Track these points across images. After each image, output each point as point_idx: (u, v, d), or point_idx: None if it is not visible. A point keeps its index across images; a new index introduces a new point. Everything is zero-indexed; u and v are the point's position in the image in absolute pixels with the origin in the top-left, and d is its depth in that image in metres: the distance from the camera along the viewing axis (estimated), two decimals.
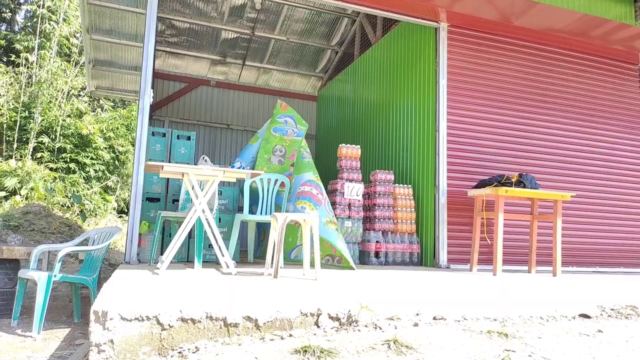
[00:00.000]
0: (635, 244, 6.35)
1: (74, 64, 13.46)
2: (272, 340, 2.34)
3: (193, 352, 2.20)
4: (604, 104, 6.45)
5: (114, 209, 12.89)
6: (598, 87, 6.44)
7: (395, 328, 2.58)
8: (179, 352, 2.22)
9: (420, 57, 6.05)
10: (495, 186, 4.93)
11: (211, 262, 4.73)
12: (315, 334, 2.44)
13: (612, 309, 3.42)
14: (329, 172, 8.75)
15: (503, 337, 2.44)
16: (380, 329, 2.55)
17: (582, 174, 6.18)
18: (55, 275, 3.76)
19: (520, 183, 4.95)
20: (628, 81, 6.63)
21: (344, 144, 5.72)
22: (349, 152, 5.67)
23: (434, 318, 2.86)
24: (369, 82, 7.60)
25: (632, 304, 3.52)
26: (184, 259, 4.79)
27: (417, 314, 2.85)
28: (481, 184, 5.18)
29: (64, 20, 13.38)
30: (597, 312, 3.34)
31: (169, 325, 2.31)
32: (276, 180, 4.98)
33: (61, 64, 12.98)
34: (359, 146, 5.74)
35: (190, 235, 4.69)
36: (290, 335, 2.42)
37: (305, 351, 2.04)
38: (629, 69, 6.65)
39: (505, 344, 2.33)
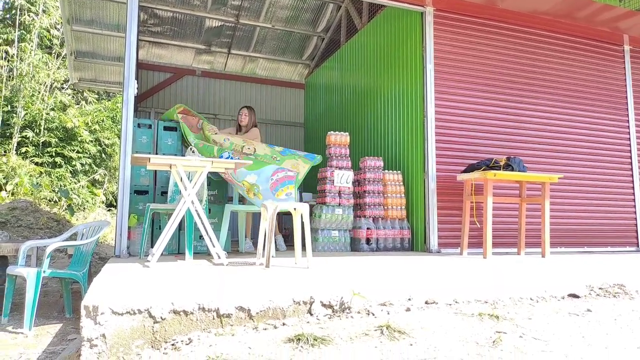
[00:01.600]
0: (622, 224, 6.45)
1: (55, 56, 13.19)
2: (265, 329, 2.35)
3: (186, 344, 2.19)
4: (590, 86, 6.49)
5: (103, 202, 12.77)
6: (584, 69, 6.47)
7: (388, 314, 2.59)
8: (172, 344, 2.22)
9: (407, 42, 6.02)
10: (483, 170, 4.95)
11: (202, 253, 4.71)
12: (308, 322, 2.45)
13: (600, 288, 3.48)
14: None
15: (494, 319, 2.46)
16: (373, 315, 2.56)
17: (569, 156, 6.24)
18: (44, 271, 3.72)
19: (508, 166, 4.98)
20: (613, 62, 6.67)
21: (332, 132, 5.70)
22: (338, 140, 5.65)
23: (426, 302, 2.88)
24: (356, 69, 7.55)
25: (620, 282, 3.58)
26: (175, 251, 4.77)
27: (409, 299, 2.87)
28: (470, 168, 5.20)
29: (44, 11, 13.07)
30: (586, 291, 3.39)
31: (161, 317, 2.30)
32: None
33: (43, 56, 12.72)
34: (347, 133, 5.73)
35: (180, 227, 4.66)
36: (284, 324, 2.42)
37: (299, 339, 2.04)
38: (614, 50, 6.69)
39: (496, 325, 2.35)
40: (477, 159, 5.54)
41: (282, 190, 4.29)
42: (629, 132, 6.62)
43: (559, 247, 5.94)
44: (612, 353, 1.98)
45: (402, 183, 5.79)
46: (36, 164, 11.28)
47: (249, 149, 4.79)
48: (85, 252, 4.25)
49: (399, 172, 5.83)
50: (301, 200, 6.83)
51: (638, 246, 6.48)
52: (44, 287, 5.37)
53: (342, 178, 5.47)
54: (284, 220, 6.82)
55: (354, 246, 5.55)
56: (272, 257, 4.14)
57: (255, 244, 5.13)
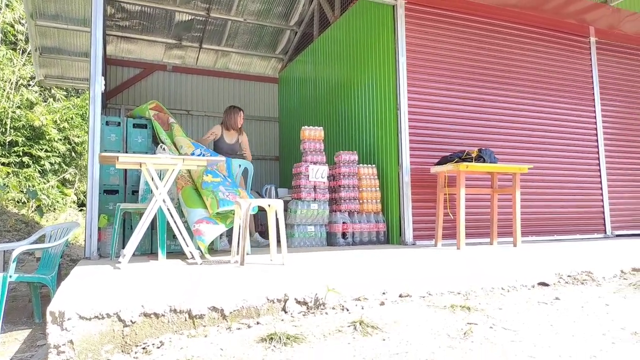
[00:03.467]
0: (589, 211, 6.63)
1: (20, 52, 12.77)
2: (238, 329, 2.32)
3: (157, 347, 2.15)
4: (558, 77, 6.62)
5: (74, 202, 12.47)
6: (551, 61, 6.60)
7: (362, 308, 2.60)
8: (143, 348, 2.18)
9: (379, 35, 6.02)
10: (456, 162, 5.01)
11: (177, 252, 4.64)
12: (282, 320, 2.44)
13: (568, 276, 3.56)
14: (292, 155, 8.70)
15: (466, 310, 2.50)
16: (347, 310, 2.57)
17: (539, 147, 6.37)
18: (10, 276, 3.61)
19: (480, 158, 5.05)
20: (580, 54, 6.82)
21: (306, 127, 5.68)
22: (312, 134, 5.63)
23: (400, 296, 2.90)
24: (329, 62, 7.53)
25: (588, 269, 3.68)
26: (148, 251, 4.68)
27: (384, 293, 2.89)
28: (443, 161, 5.25)
29: (7, 5, 12.61)
30: (555, 279, 3.47)
31: (131, 321, 2.25)
32: (239, 166, 4.90)
33: (7, 53, 12.29)
34: (321, 128, 5.71)
35: (153, 226, 4.57)
36: (258, 323, 2.40)
37: (272, 339, 2.03)
38: (580, 42, 6.83)
39: (468, 317, 2.39)
40: (449, 151, 5.60)
41: (198, 242, 4.02)
42: (595, 123, 6.79)
43: (530, 235, 6.07)
44: (578, 340, 2.03)
45: (377, 177, 5.81)
46: (2, 164, 10.92)
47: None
48: (54, 255, 4.14)
49: (373, 165, 5.85)
50: (277, 195, 6.80)
51: (605, 233, 6.68)
52: (13, 292, 5.22)
53: (317, 173, 5.46)
54: (260, 216, 6.77)
55: (330, 241, 5.56)
56: (247, 254, 4.10)
57: (230, 241, 5.09)
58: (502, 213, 5.76)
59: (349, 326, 2.22)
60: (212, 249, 5.08)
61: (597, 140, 6.77)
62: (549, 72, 6.56)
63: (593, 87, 6.83)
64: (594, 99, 6.82)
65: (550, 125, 6.48)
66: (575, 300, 2.80)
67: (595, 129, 6.78)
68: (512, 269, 3.49)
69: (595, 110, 6.80)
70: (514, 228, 5.13)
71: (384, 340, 2.04)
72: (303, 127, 5.65)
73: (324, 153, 5.64)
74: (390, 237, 5.69)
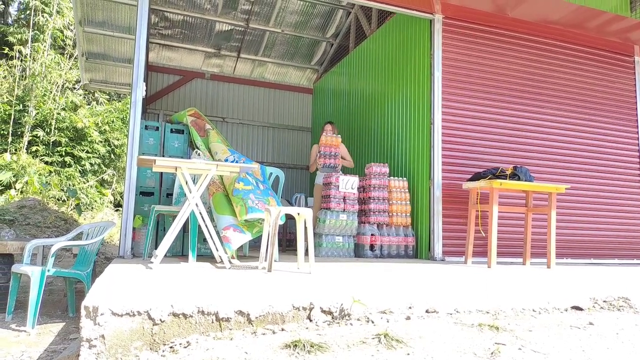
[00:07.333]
0: (629, 236, 6.38)
1: (68, 56, 13.36)
2: (263, 334, 2.35)
3: (184, 347, 2.20)
4: (599, 96, 6.44)
5: (111, 202, 12.87)
6: (593, 79, 6.43)
7: (387, 322, 2.58)
8: (171, 347, 2.22)
9: (415, 49, 6.02)
10: (489, 179, 4.93)
11: (206, 256, 4.72)
12: (307, 328, 2.45)
13: (604, 301, 3.44)
14: None
15: (494, 330, 2.44)
16: (372, 322, 2.55)
17: (577, 166, 6.19)
18: (48, 270, 3.76)
19: (514, 176, 4.95)
20: (623, 73, 6.62)
21: (324, 135, 5.90)
22: (328, 141, 5.88)
23: (427, 311, 2.87)
24: (364, 75, 7.56)
25: (625, 295, 3.54)
26: (179, 253, 4.79)
27: (410, 307, 2.86)
28: (476, 177, 5.17)
29: (58, 12, 13.26)
30: (590, 304, 3.35)
31: (160, 320, 2.31)
32: (270, 174, 4.97)
33: (55, 57, 12.88)
34: (339, 136, 5.92)
35: (185, 229, 4.68)
36: (283, 330, 2.42)
37: (296, 346, 2.04)
38: (624, 61, 6.64)
39: (495, 337, 2.33)
40: (483, 167, 5.51)
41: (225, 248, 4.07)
42: (637, 143, 6.56)
43: (565, 257, 5.89)
44: None
45: (407, 190, 5.77)
46: (46, 163, 11.40)
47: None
48: (90, 252, 4.29)
49: (404, 179, 5.82)
50: (307, 204, 6.84)
51: None
52: (49, 286, 5.42)
53: (347, 183, 5.47)
54: (288, 224, 6.82)
55: (358, 252, 5.54)
56: (275, 261, 4.14)
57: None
58: (537, 233, 5.61)
59: (373, 338, 2.21)
60: (241, 254, 5.14)
61: (639, 162, 6.53)
62: (590, 90, 6.39)
63: (636, 107, 6.60)
64: (636, 119, 6.59)
65: (590, 145, 6.29)
66: (610, 326, 2.70)
67: (638, 150, 6.54)
68: (545, 291, 3.39)
69: (638, 131, 6.57)
70: (548, 249, 4.99)
71: (408, 354, 2.02)
72: (322, 136, 5.89)
73: (337, 157, 5.87)
74: (419, 251, 5.63)
